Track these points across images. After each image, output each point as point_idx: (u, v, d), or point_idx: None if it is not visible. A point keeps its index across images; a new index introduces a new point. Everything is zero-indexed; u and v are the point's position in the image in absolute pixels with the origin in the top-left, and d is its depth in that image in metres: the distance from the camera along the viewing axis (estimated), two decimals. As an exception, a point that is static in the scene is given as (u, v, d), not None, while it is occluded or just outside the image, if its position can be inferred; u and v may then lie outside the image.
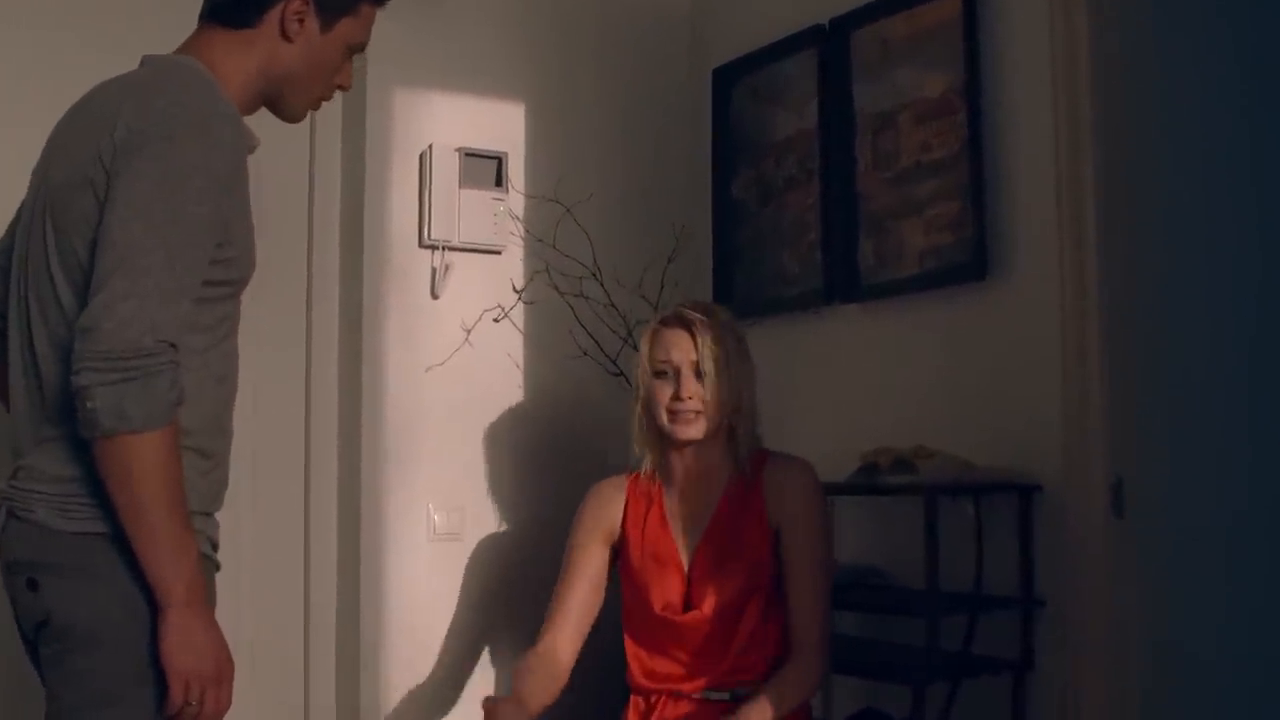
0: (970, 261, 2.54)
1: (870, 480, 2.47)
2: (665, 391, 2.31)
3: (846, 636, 2.68)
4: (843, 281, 2.86)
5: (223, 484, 1.72)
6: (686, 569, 2.34)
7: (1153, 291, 2.36)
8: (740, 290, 3.16)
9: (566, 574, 2.41)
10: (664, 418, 2.32)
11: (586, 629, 2.40)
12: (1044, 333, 2.39)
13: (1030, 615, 2.39)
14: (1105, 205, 2.34)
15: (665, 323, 2.35)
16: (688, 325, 2.31)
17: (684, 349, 2.30)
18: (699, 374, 2.29)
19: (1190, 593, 2.29)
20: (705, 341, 2.28)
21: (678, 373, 2.30)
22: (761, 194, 3.13)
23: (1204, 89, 2.38)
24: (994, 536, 2.41)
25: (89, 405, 1.47)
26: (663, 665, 2.33)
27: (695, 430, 2.31)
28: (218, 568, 1.70)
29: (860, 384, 2.83)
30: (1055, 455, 2.35)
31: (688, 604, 2.32)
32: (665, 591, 2.33)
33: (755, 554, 2.30)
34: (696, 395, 2.29)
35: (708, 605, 2.29)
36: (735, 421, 2.32)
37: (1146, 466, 2.30)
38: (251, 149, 1.70)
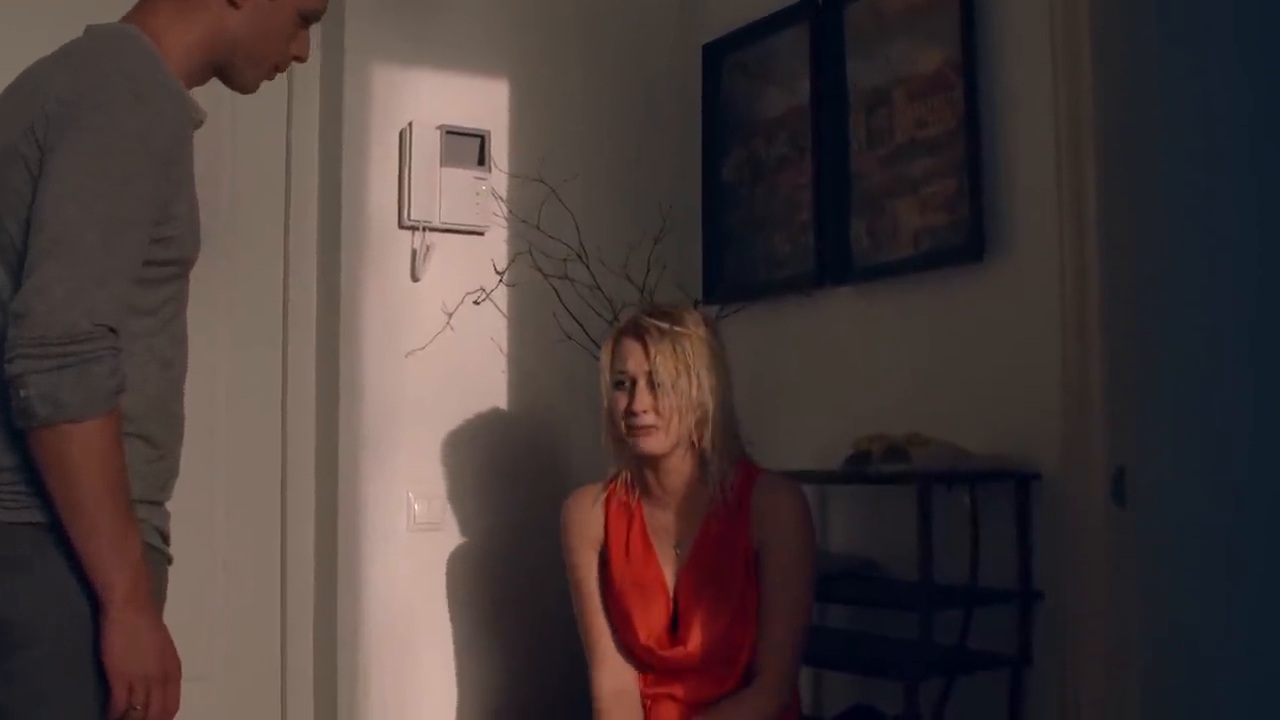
0: (966, 242, 2.49)
1: (862, 468, 2.43)
2: (621, 403, 2.24)
3: (837, 630, 2.66)
4: (835, 263, 2.81)
5: (172, 473, 1.64)
6: (672, 594, 2.28)
7: (1156, 272, 2.31)
8: (730, 273, 3.12)
9: (583, 601, 2.34)
10: (623, 433, 2.25)
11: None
12: (1043, 316, 2.35)
13: (1028, 609, 2.35)
14: (1106, 184, 2.29)
15: (624, 331, 2.28)
16: (641, 335, 2.23)
17: (637, 360, 2.22)
18: (654, 385, 2.21)
19: (1194, 585, 2.22)
20: (660, 352, 2.20)
21: (633, 384, 2.23)
22: (752, 174, 3.08)
23: (1208, 63, 2.30)
24: (990, 527, 2.36)
25: (23, 394, 1.39)
26: (654, 686, 2.30)
27: (656, 444, 2.23)
28: (169, 561, 1.62)
29: (853, 369, 2.79)
30: (1054, 443, 2.31)
31: (675, 629, 2.26)
32: (650, 620, 2.27)
33: (741, 582, 2.23)
34: (650, 408, 2.21)
35: (695, 640, 2.23)
36: (702, 434, 2.23)
37: (1149, 454, 2.24)
38: (197, 124, 1.62)
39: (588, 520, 2.34)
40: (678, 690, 2.26)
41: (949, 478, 2.32)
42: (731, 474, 2.23)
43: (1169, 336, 2.29)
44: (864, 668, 2.45)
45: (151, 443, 1.56)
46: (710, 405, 2.21)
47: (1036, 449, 2.35)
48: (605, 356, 2.28)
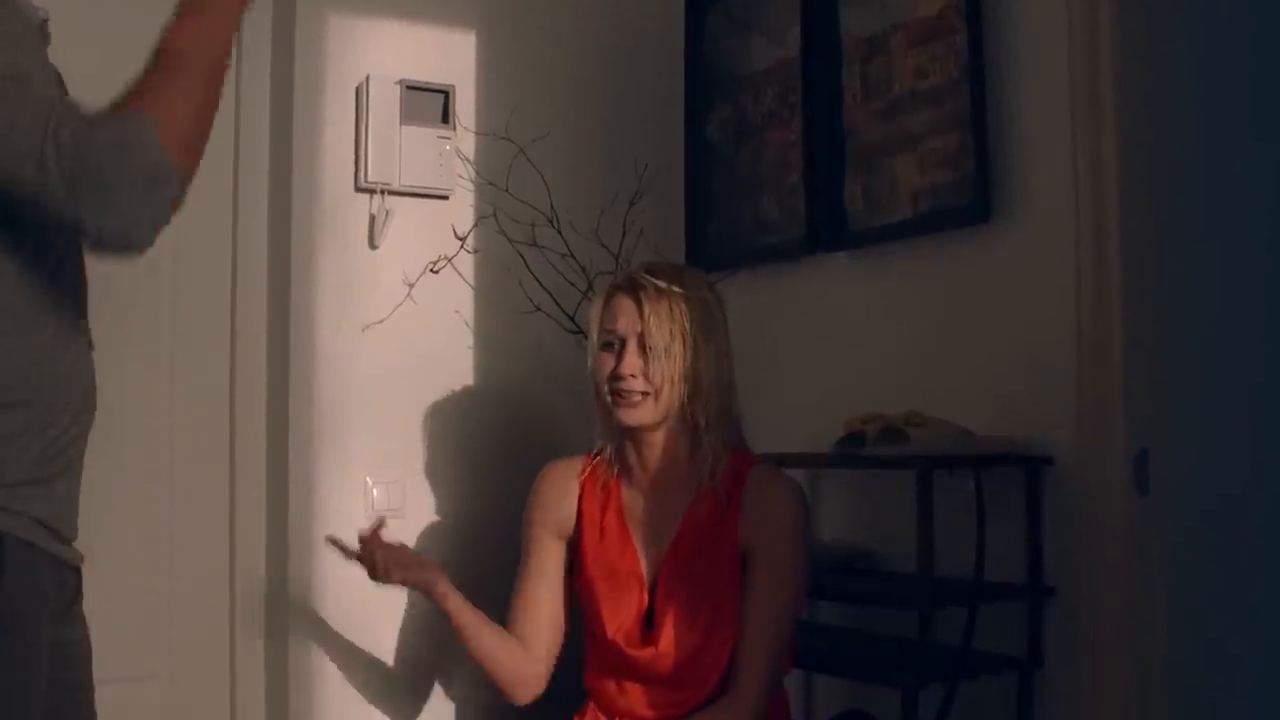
0: (972, 202, 2.38)
1: (856, 451, 2.32)
2: (607, 365, 2.10)
3: (828, 628, 2.57)
4: (828, 228, 2.71)
5: (54, 444, 1.45)
6: (648, 587, 2.14)
7: (1182, 235, 2.21)
8: (713, 239, 3.01)
9: (520, 578, 2.25)
10: (607, 400, 2.11)
11: (556, 648, 2.25)
12: (1056, 282, 2.25)
13: (1038, 606, 2.26)
14: (1128, 135, 2.17)
15: (616, 287, 2.14)
16: (635, 292, 2.09)
17: (629, 318, 2.08)
18: (645, 348, 2.07)
19: (1223, 580, 2.17)
20: (655, 312, 2.06)
21: (622, 344, 2.09)
22: (737, 132, 2.96)
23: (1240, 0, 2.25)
24: (997, 515, 2.25)
25: None
26: (619, 694, 2.16)
27: (642, 414, 2.08)
28: (70, 564, 1.41)
29: (846, 342, 2.70)
30: (1069, 423, 2.22)
31: (649, 626, 2.12)
32: (620, 614, 2.13)
33: (726, 583, 2.09)
34: (639, 372, 2.07)
35: (667, 640, 2.08)
36: (695, 409, 2.09)
37: (1175, 436, 2.17)
38: (42, 29, 1.41)
39: (558, 501, 2.22)
40: (641, 702, 2.12)
41: (951, 461, 2.22)
42: (725, 460, 2.11)
43: (1198, 305, 2.22)
44: (857, 671, 2.33)
45: (9, 409, 1.37)
46: (707, 377, 2.08)
47: (1049, 430, 2.25)
48: (594, 313, 2.15)
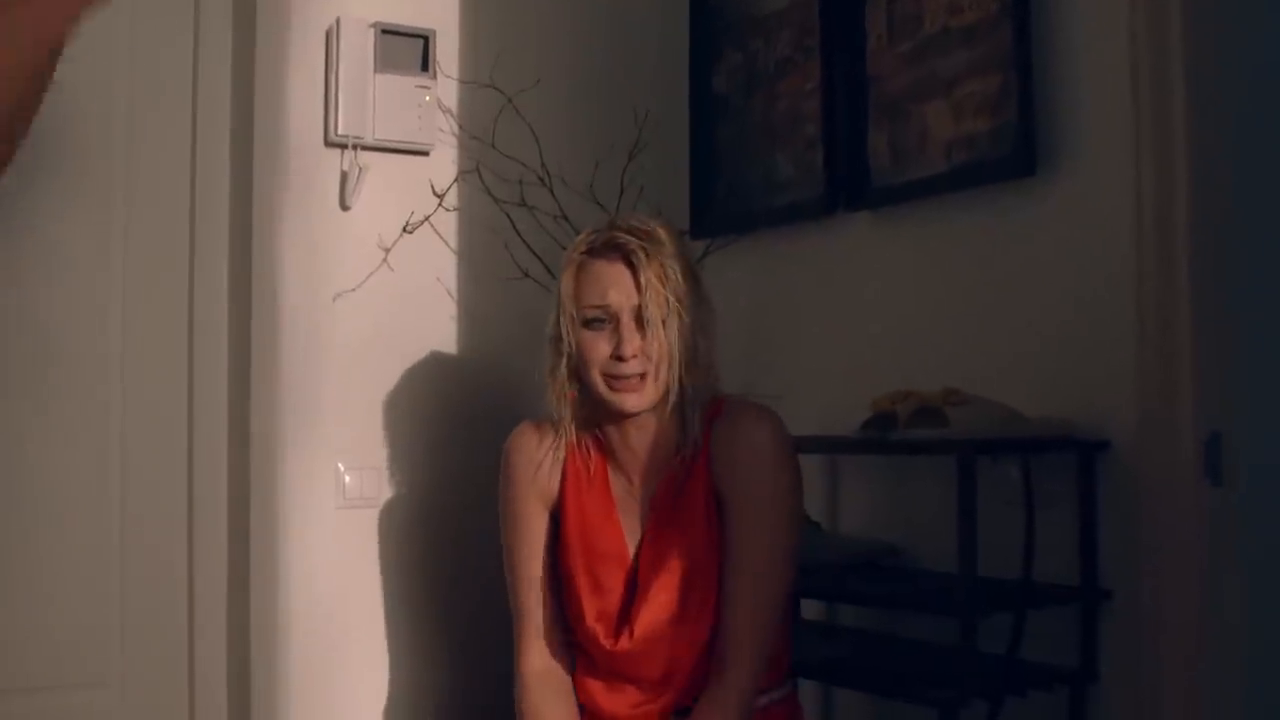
0: (1014, 153, 2.26)
1: (886, 434, 2.22)
2: (601, 348, 1.88)
3: (849, 633, 2.51)
4: (850, 185, 2.62)
5: None
6: (631, 568, 1.97)
7: (1261, 187, 2.07)
8: (722, 199, 2.92)
9: (518, 564, 2.04)
10: (601, 386, 1.89)
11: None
12: (1114, 243, 2.12)
13: (1093, 611, 2.15)
14: (1196, 74, 2.03)
15: (595, 252, 1.90)
16: (627, 255, 1.86)
17: (625, 289, 1.86)
18: (642, 322, 1.86)
19: None
20: (650, 281, 1.85)
21: (617, 322, 1.87)
22: (748, 81, 2.86)
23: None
24: (1048, 508, 2.17)
25: None
26: (605, 693, 1.99)
27: (645, 399, 1.88)
28: None
29: (871, 312, 2.61)
30: (1128, 403, 2.10)
31: (628, 606, 1.96)
32: (604, 601, 1.96)
33: (702, 543, 1.91)
34: (642, 352, 1.87)
35: (643, 623, 1.91)
36: (689, 381, 1.90)
37: (1251, 418, 2.04)
38: None
39: (542, 464, 2.01)
40: (619, 702, 1.96)
41: (995, 446, 2.12)
42: (700, 417, 1.92)
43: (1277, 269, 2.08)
44: (886, 685, 2.20)
45: None
46: (702, 345, 1.90)
47: (1105, 411, 2.14)
48: (568, 284, 1.91)
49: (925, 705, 2.05)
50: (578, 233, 2.51)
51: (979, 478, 2.01)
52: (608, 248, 1.88)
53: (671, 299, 1.86)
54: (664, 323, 1.85)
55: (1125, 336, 2.10)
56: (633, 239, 1.86)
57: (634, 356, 1.85)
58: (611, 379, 1.88)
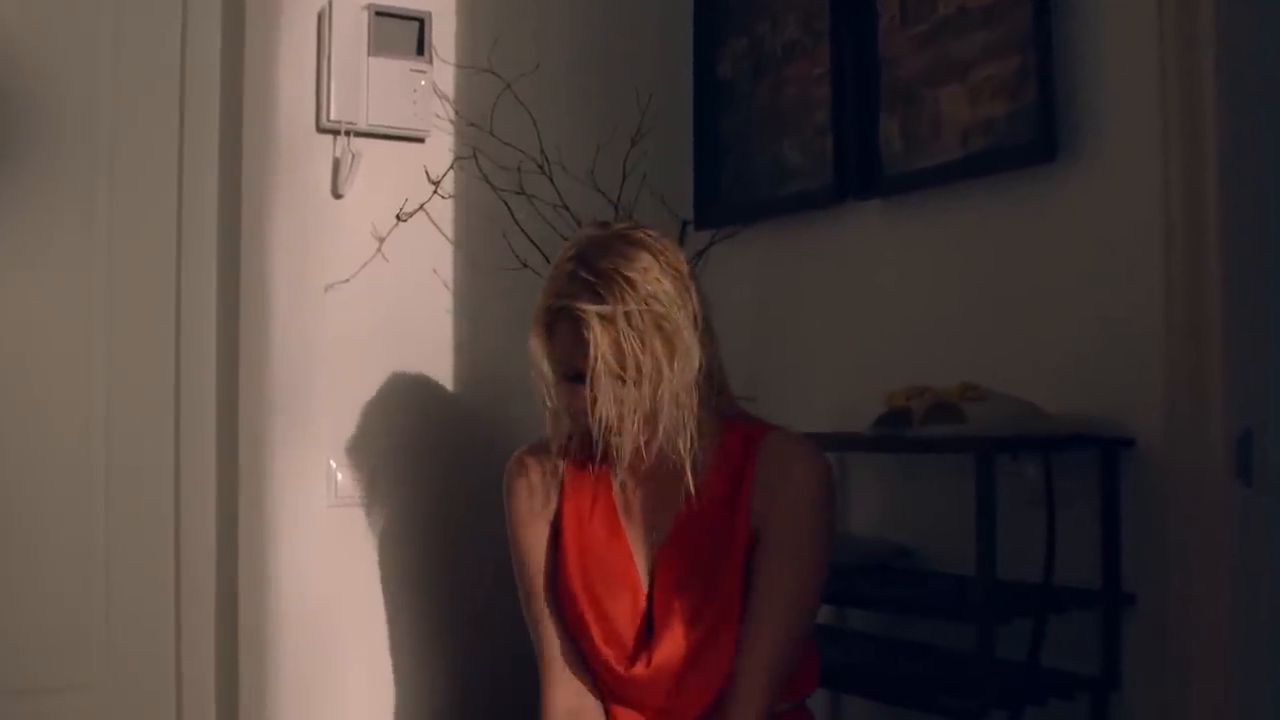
0: (1034, 138, 2.23)
1: (900, 431, 2.19)
2: (579, 403, 1.85)
3: (860, 639, 2.48)
4: (860, 173, 2.59)
5: None
6: (646, 591, 1.93)
7: None
8: (727, 187, 2.89)
9: (534, 597, 2.00)
10: (595, 431, 1.86)
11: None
12: (1138, 234, 2.09)
13: (1116, 616, 2.12)
14: (1228, 53, 1.97)
15: (555, 318, 1.86)
16: (576, 322, 1.81)
17: (585, 354, 1.83)
18: (618, 375, 1.83)
19: None
20: (606, 342, 1.79)
21: (590, 378, 1.85)
22: (754, 66, 2.84)
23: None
24: (1069, 508, 2.12)
25: None
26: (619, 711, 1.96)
27: (635, 439, 1.85)
28: None
29: (883, 304, 2.58)
30: (1154, 399, 2.07)
31: (648, 630, 1.91)
32: (617, 626, 1.92)
33: (735, 575, 1.87)
34: (620, 399, 1.82)
35: (666, 652, 1.87)
36: (688, 413, 1.85)
37: None
38: None
39: (540, 493, 2.00)
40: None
41: (1015, 444, 2.07)
42: (717, 430, 1.89)
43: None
44: (899, 693, 2.17)
45: None
46: (694, 365, 1.84)
47: (1129, 407, 2.11)
48: (537, 348, 1.89)
49: (941, 714, 2.02)
50: (578, 223, 2.49)
51: (998, 477, 1.97)
52: (560, 314, 1.83)
53: (645, 343, 1.80)
54: (639, 370, 1.80)
55: (1151, 328, 2.07)
56: (580, 304, 1.80)
57: (610, 409, 1.82)
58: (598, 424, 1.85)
